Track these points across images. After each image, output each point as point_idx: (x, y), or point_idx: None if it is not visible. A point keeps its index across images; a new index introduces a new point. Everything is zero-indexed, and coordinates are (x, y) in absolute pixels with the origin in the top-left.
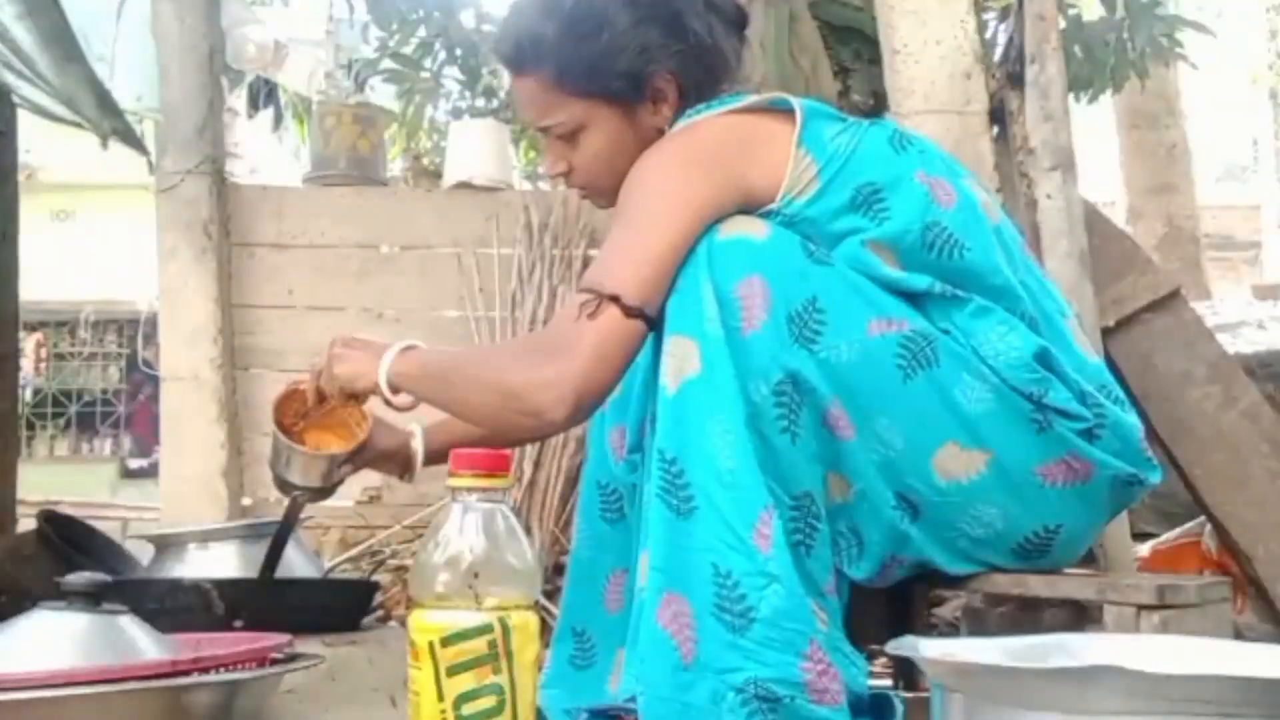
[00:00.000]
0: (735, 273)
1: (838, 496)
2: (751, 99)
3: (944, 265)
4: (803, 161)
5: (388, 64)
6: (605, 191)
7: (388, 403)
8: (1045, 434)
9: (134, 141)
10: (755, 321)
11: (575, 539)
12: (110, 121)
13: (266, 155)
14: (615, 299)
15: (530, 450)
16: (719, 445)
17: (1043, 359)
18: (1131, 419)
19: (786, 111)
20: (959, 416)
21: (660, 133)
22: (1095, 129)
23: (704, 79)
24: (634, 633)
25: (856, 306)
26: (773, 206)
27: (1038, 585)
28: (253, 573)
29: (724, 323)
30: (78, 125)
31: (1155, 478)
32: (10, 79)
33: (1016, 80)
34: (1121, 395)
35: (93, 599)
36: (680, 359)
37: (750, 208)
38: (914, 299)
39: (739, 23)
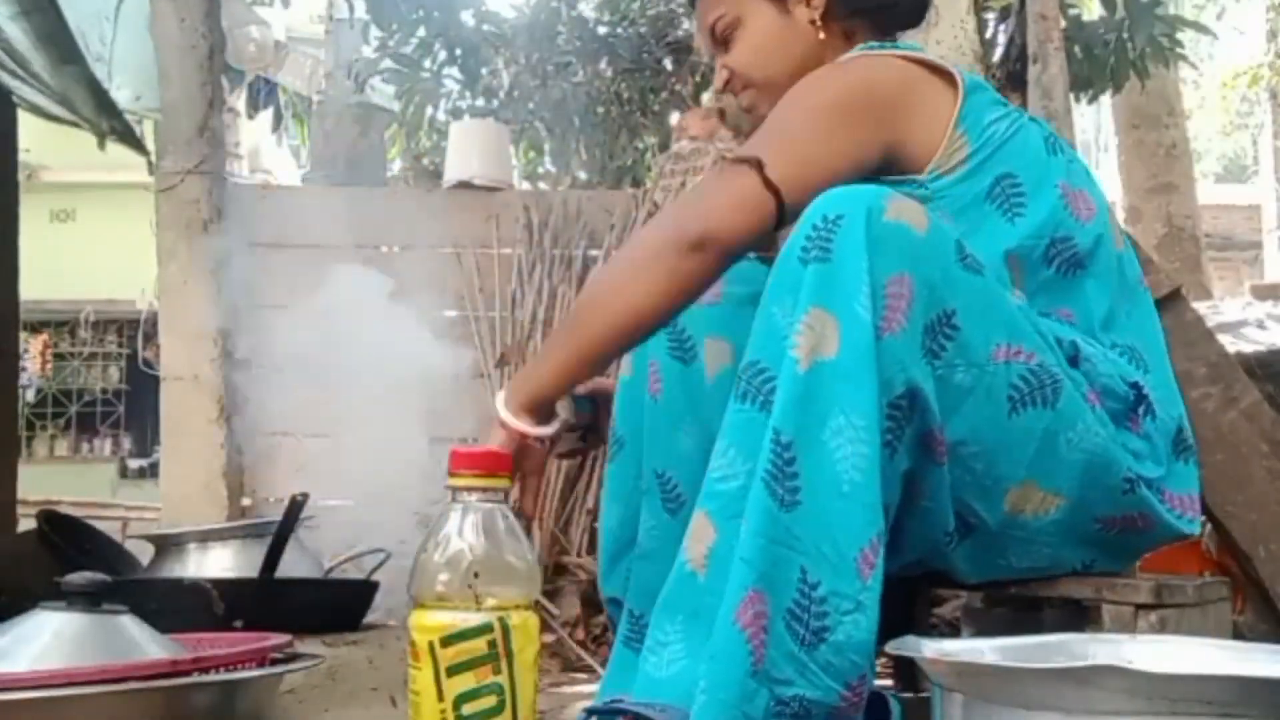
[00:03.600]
0: (890, 266)
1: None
2: (921, 54)
3: (1057, 283)
4: (957, 141)
5: (388, 64)
6: (763, 94)
7: (524, 437)
8: (1129, 496)
9: (133, 141)
10: (895, 325)
11: (640, 529)
12: (108, 121)
13: (270, 156)
14: (758, 164)
15: None
16: (844, 449)
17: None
18: (1190, 470)
19: (953, 80)
20: (1050, 460)
21: (813, 25)
22: (1095, 129)
23: None
24: (694, 606)
25: (990, 327)
26: (920, 178)
27: (1035, 585)
28: (253, 573)
29: (871, 321)
30: (75, 125)
31: (1195, 530)
32: (5, 79)
33: (1017, 80)
34: (1191, 439)
35: (93, 599)
36: (818, 335)
37: (895, 168)
38: None
39: None
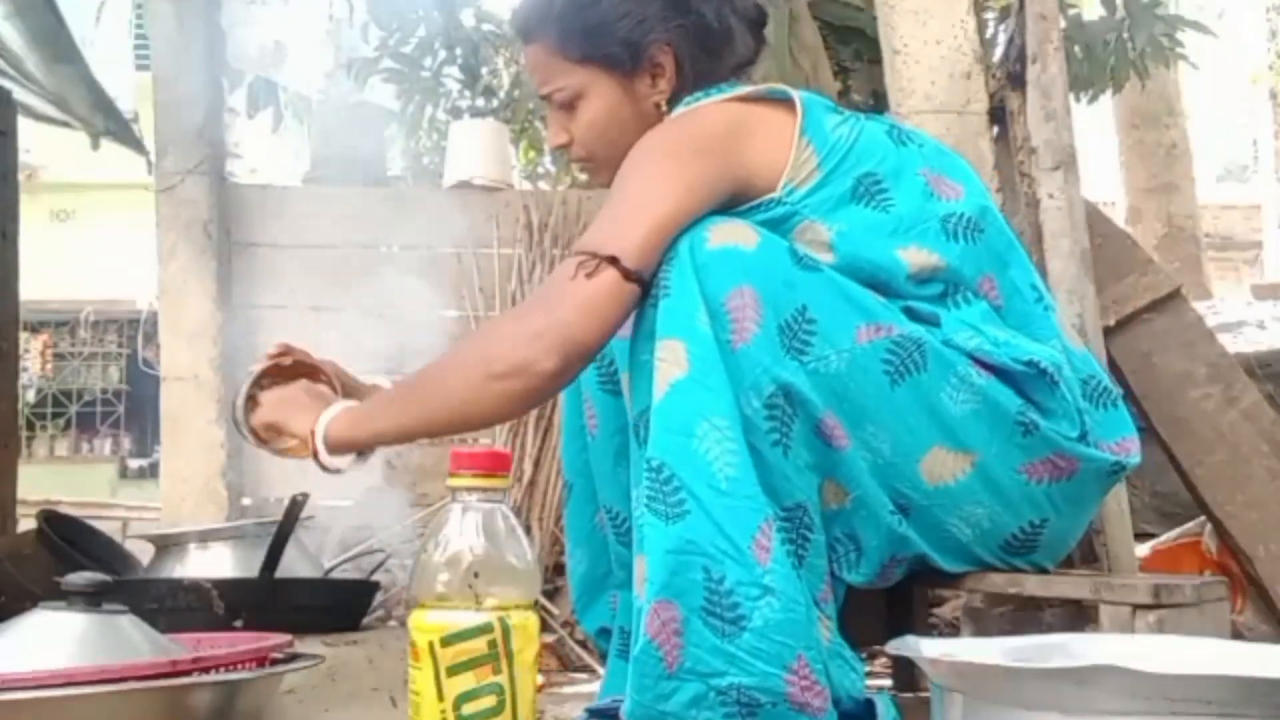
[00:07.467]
0: (726, 284)
1: (833, 503)
2: (750, 88)
3: (972, 251)
4: (805, 151)
5: (388, 64)
6: (602, 164)
7: (316, 459)
8: (1031, 436)
9: (131, 140)
10: (746, 334)
11: (613, 562)
12: (105, 121)
13: (268, 155)
14: (614, 260)
15: (530, 450)
16: (714, 451)
17: (1040, 366)
18: (1117, 414)
19: (786, 102)
20: (945, 420)
21: (657, 108)
22: (1095, 129)
23: (704, 60)
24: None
25: (845, 313)
26: (774, 195)
27: (1034, 585)
28: (253, 573)
29: (714, 334)
30: (67, 125)
31: (1133, 462)
32: None
33: (1017, 80)
34: (1109, 384)
35: (93, 599)
36: (670, 363)
37: (750, 196)
38: (934, 298)
39: (755, 20)
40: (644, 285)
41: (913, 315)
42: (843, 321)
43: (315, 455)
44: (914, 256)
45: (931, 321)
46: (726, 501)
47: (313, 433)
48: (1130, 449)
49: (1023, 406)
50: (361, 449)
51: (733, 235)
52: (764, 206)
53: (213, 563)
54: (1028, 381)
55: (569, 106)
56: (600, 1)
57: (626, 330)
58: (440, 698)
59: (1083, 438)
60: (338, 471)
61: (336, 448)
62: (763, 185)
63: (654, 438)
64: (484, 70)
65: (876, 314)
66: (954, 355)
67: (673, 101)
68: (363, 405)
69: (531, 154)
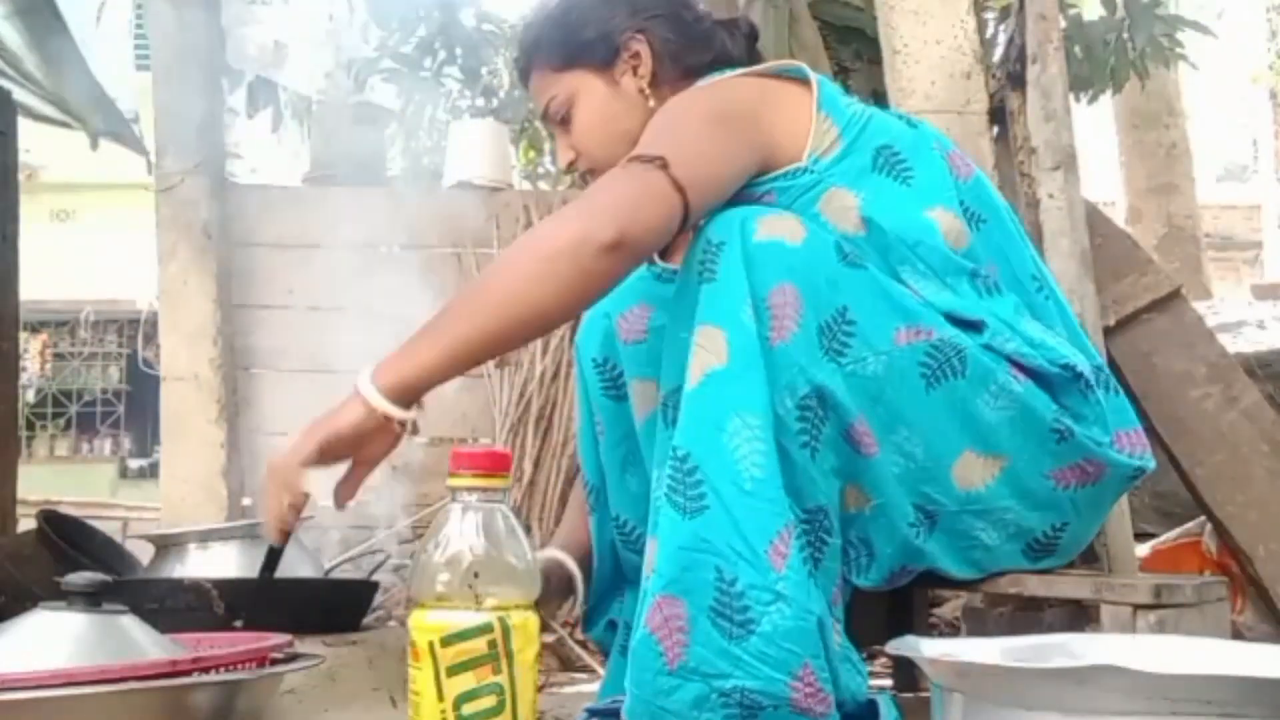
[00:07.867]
0: (769, 279)
1: (853, 507)
2: (764, 65)
3: (977, 239)
4: (824, 124)
5: (388, 64)
6: (609, 167)
7: (388, 422)
8: (1065, 443)
9: (131, 140)
10: (785, 332)
11: (624, 565)
12: (104, 121)
13: (268, 155)
14: (663, 164)
15: (530, 450)
16: (742, 449)
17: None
18: (1120, 401)
19: (800, 79)
20: (977, 424)
21: (642, 94)
22: (1095, 129)
23: (682, 46)
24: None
25: (885, 314)
26: (801, 165)
27: (1035, 585)
28: (253, 573)
29: (756, 329)
30: (66, 125)
31: (1151, 465)
32: None
33: (1017, 80)
34: (1109, 372)
35: (93, 599)
36: (708, 351)
37: (775, 166)
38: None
39: (747, 34)
40: (687, 207)
41: (954, 321)
42: (882, 323)
43: (380, 416)
44: (942, 217)
45: (974, 326)
46: (749, 502)
47: (358, 394)
48: (1145, 447)
49: (1058, 413)
50: (423, 385)
51: (780, 228)
52: (790, 174)
53: (213, 563)
54: (1062, 385)
55: (566, 120)
56: (572, 10)
57: (635, 334)
58: (440, 698)
59: (1109, 441)
60: (412, 428)
61: (397, 393)
62: (785, 157)
63: (683, 425)
64: (484, 70)
65: (918, 316)
66: (993, 361)
67: (655, 85)
68: (406, 341)
69: (531, 154)
